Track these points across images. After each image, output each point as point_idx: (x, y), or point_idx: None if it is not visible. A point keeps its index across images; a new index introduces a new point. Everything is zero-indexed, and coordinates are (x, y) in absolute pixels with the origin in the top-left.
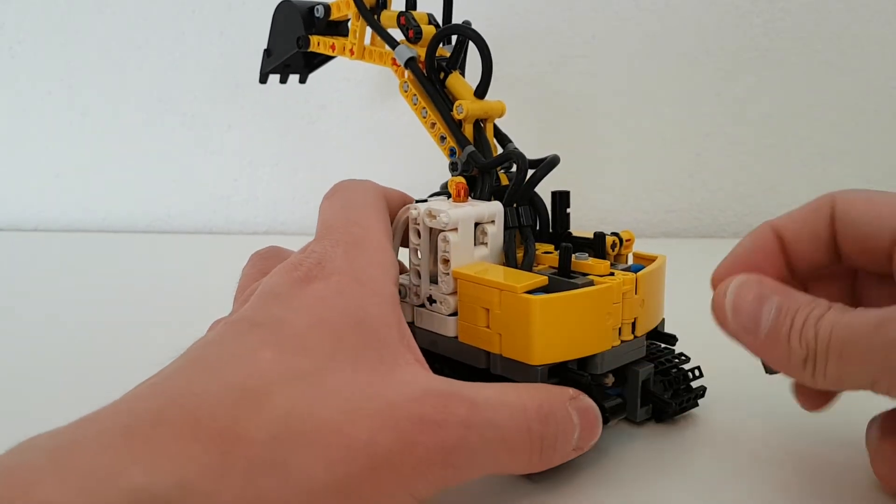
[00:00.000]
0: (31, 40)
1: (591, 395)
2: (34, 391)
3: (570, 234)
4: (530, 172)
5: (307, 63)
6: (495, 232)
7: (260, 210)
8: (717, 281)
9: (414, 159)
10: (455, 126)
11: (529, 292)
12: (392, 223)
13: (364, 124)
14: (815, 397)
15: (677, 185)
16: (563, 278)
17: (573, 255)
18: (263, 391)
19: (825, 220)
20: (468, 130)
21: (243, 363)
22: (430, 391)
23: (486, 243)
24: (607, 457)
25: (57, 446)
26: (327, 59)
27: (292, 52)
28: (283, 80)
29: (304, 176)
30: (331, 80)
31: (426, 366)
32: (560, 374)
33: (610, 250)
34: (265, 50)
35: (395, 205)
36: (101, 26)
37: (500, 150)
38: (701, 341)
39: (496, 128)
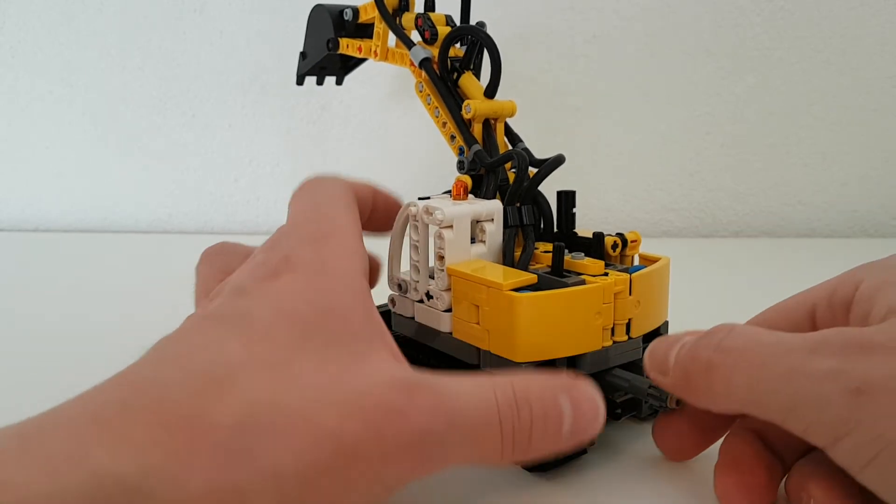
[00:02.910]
0: (32, 40)
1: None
2: (34, 391)
3: (576, 233)
4: (535, 171)
5: (343, 65)
6: (494, 230)
7: (261, 210)
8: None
9: (414, 160)
10: (463, 125)
11: (518, 290)
12: (357, 214)
13: (365, 125)
14: (679, 446)
15: (677, 185)
16: (554, 277)
17: (569, 255)
18: (228, 379)
19: (755, 445)
20: (477, 130)
21: (208, 354)
22: (396, 380)
23: (485, 241)
24: (612, 452)
25: (23, 432)
26: (361, 61)
27: (324, 54)
28: (320, 82)
29: (305, 176)
30: (331, 80)
31: (398, 354)
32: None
33: (611, 251)
34: (301, 52)
35: (363, 197)
36: (101, 26)
37: (522, 147)
38: None
39: (507, 127)
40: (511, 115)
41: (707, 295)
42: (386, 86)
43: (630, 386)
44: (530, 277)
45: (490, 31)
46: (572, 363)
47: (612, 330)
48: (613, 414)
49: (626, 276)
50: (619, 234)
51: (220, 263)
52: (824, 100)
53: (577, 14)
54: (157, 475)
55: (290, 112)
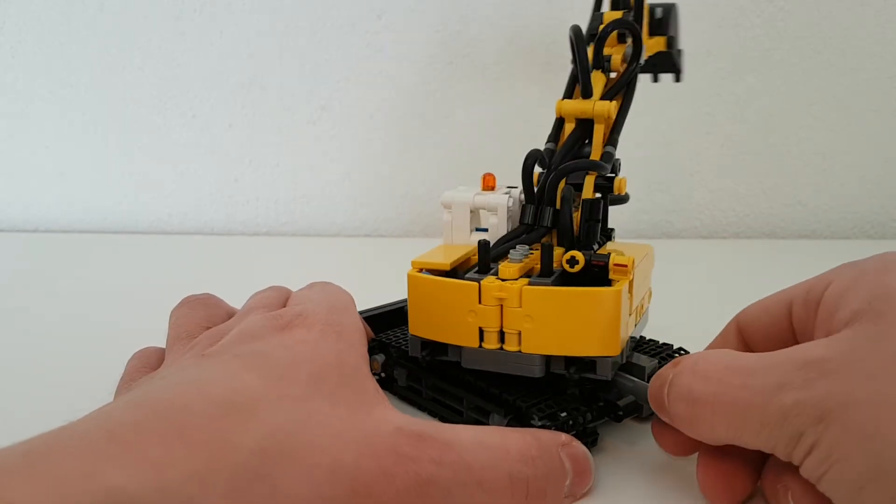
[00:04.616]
0: (32, 40)
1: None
2: (35, 392)
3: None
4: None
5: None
6: (496, 223)
7: (260, 210)
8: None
9: (413, 160)
10: (556, 122)
11: (428, 272)
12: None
13: (364, 125)
14: (678, 442)
15: (677, 185)
16: (477, 273)
17: (507, 254)
18: (249, 408)
19: (735, 337)
20: (569, 128)
21: (227, 383)
22: (405, 429)
23: (487, 230)
24: (615, 452)
25: (30, 449)
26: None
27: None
28: (655, 80)
29: (305, 176)
30: (331, 80)
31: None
32: (433, 351)
33: (566, 266)
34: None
35: None
36: (101, 26)
37: (602, 152)
38: (701, 339)
39: (613, 128)
40: (606, 118)
41: (707, 296)
42: (385, 86)
43: (635, 386)
44: (443, 265)
45: (490, 31)
46: (456, 353)
47: (503, 336)
48: (616, 416)
49: (516, 287)
50: (604, 256)
51: (204, 313)
52: (824, 100)
53: (576, 14)
54: (173, 495)
55: (290, 112)
